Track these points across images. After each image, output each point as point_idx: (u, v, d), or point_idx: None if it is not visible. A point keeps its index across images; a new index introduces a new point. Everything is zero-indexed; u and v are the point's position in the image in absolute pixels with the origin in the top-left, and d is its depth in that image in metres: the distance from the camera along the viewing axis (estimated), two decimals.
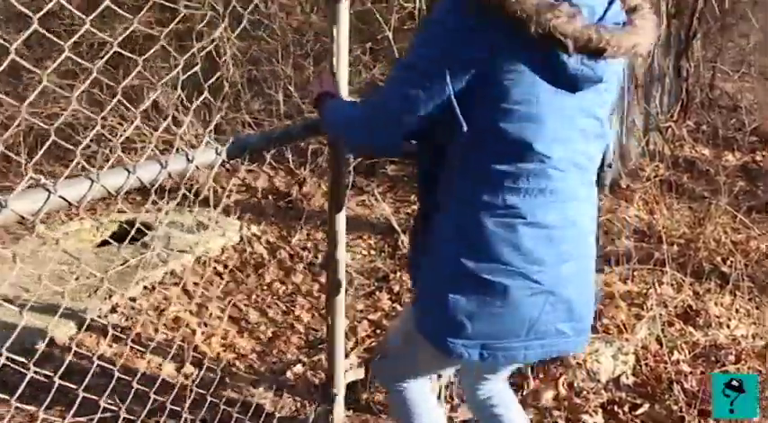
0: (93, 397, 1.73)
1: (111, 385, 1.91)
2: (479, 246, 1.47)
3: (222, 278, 3.75)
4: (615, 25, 1.40)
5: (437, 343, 1.56)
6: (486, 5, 1.30)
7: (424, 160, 1.65)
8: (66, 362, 1.78)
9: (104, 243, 4.15)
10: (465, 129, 1.42)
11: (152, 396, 2.00)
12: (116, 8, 1.82)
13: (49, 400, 1.65)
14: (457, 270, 1.49)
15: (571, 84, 1.40)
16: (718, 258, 4.12)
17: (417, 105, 1.43)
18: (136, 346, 2.78)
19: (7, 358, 1.39)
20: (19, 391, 1.46)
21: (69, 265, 3.51)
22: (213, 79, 1.86)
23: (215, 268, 3.86)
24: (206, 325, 3.28)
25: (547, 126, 1.41)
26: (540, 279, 1.48)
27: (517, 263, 1.46)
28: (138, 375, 2.08)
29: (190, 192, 4.08)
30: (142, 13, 1.48)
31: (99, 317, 3.17)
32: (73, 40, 1.31)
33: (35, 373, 1.46)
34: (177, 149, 1.68)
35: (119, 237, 4.19)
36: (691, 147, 6.58)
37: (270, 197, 4.94)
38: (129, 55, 1.67)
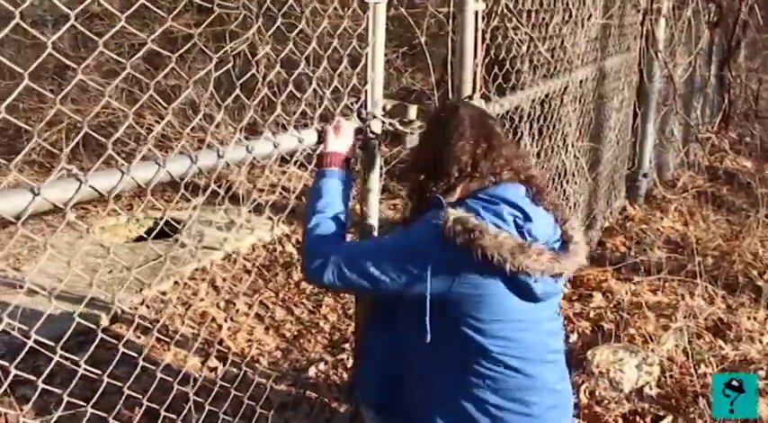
0: (118, 384, 1.78)
1: (136, 374, 1.96)
2: None
3: (251, 275, 3.81)
4: (557, 242, 1.67)
5: None
6: (466, 246, 1.49)
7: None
8: (95, 350, 1.83)
9: (140, 238, 4.26)
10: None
11: (175, 386, 2.04)
12: (155, 9, 1.89)
13: (73, 385, 1.70)
14: None
15: (536, 300, 1.62)
16: (754, 272, 4.04)
17: (378, 287, 1.60)
18: (163, 338, 2.85)
19: (36, 341, 1.44)
20: (44, 375, 1.51)
21: (104, 258, 3.61)
22: (245, 78, 1.89)
23: (244, 266, 3.93)
24: (232, 320, 3.34)
25: (517, 340, 1.61)
26: None
27: None
28: (163, 366, 2.13)
29: (220, 188, 4.15)
30: (175, 12, 1.53)
31: (129, 308, 3.25)
32: (106, 37, 1.36)
33: (62, 358, 1.51)
34: (208, 145, 1.72)
35: (153, 232, 4.29)
36: (732, 159, 6.47)
37: (302, 198, 4.98)
38: (168, 53, 1.71)
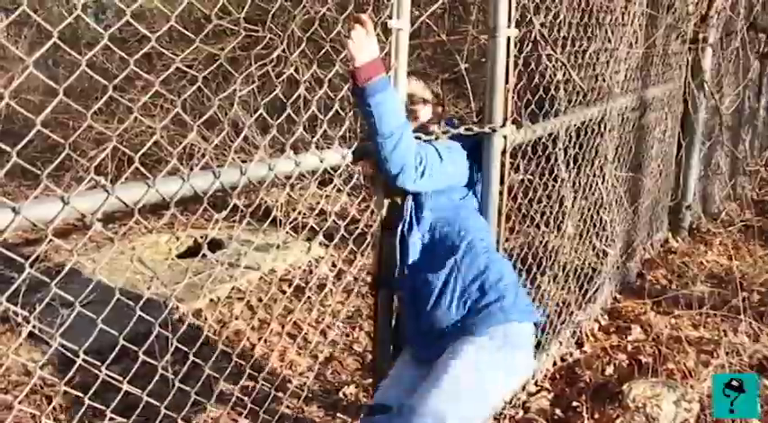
0: (156, 403, 1.81)
1: (167, 389, 2.00)
2: None
3: (286, 296, 3.83)
4: None
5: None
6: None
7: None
8: (129, 364, 1.87)
9: (179, 256, 4.34)
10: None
11: (208, 407, 2.06)
12: (187, 32, 1.95)
13: (102, 397, 1.72)
14: None
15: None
16: None
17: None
18: (195, 358, 2.87)
19: (61, 345, 1.48)
20: (67, 376, 1.54)
21: (143, 274, 3.69)
22: (268, 99, 1.93)
23: (280, 286, 3.96)
24: (266, 341, 3.36)
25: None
26: None
27: None
28: (194, 383, 2.15)
29: (259, 210, 4.21)
30: (201, 36, 1.57)
31: (164, 326, 3.30)
32: (138, 55, 1.41)
33: (96, 370, 1.54)
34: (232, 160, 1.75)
35: (193, 251, 4.37)
36: None
37: (341, 222, 5.02)
38: (194, 73, 1.77)
